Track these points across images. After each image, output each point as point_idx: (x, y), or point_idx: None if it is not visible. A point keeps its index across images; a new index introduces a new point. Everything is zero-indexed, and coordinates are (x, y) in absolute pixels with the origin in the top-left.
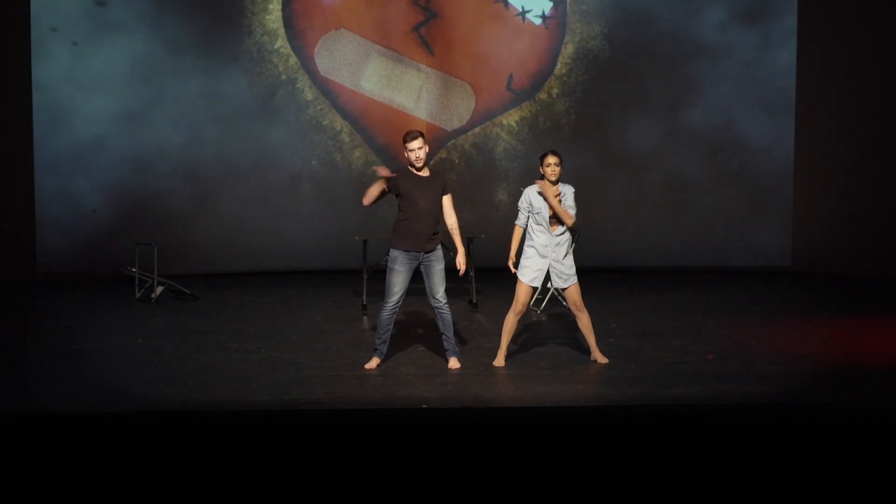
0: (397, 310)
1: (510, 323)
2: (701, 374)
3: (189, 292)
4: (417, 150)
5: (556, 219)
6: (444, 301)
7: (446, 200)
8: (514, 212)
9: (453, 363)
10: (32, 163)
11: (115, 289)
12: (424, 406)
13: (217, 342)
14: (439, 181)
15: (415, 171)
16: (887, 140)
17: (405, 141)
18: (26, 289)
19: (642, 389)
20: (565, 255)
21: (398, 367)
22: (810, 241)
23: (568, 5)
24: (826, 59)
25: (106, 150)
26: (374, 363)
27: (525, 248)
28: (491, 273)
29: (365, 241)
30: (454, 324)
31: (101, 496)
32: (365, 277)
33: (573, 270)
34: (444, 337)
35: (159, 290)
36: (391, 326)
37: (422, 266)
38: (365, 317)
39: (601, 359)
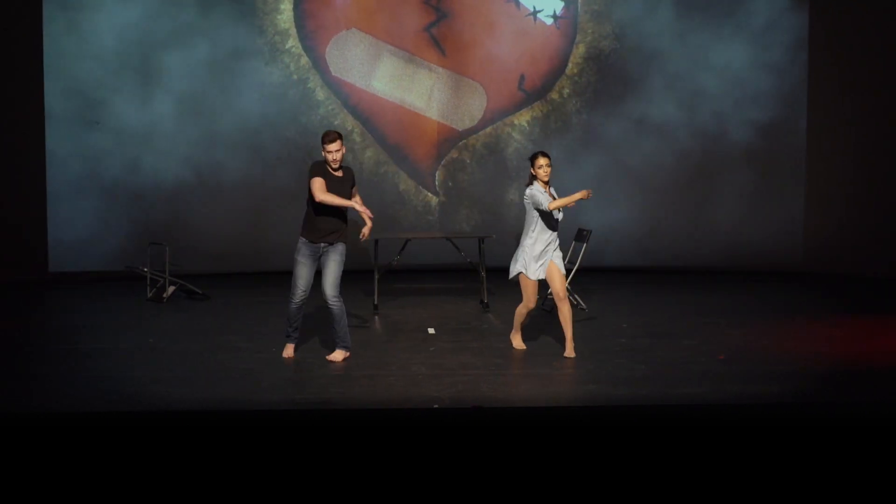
0: (303, 303)
1: (521, 314)
2: (712, 375)
3: (200, 292)
4: (335, 151)
5: (550, 217)
6: (335, 297)
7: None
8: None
9: (335, 356)
10: (44, 161)
11: (127, 288)
12: (435, 406)
13: (227, 342)
14: (349, 180)
15: (331, 170)
16: None
17: (323, 142)
18: (38, 288)
19: (653, 389)
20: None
21: (409, 367)
22: (822, 241)
23: (579, 5)
24: (838, 58)
25: (117, 151)
26: (289, 350)
27: (525, 244)
28: (502, 273)
29: (376, 241)
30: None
31: (109, 496)
32: (376, 277)
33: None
34: (332, 329)
35: (171, 289)
36: (300, 316)
37: (321, 258)
38: (376, 316)
39: (570, 353)
